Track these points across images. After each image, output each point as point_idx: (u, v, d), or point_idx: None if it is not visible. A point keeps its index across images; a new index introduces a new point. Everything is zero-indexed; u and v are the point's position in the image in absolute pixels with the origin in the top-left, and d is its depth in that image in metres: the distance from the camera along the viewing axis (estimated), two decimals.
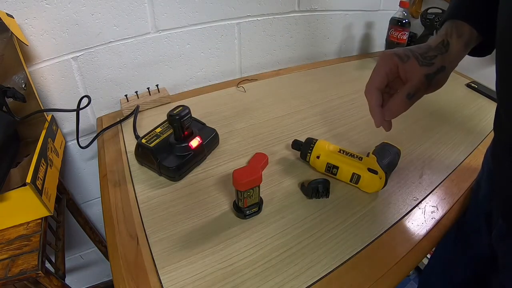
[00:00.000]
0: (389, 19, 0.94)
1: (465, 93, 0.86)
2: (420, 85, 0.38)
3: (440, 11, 0.95)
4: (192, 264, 0.40)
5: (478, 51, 0.44)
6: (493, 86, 0.89)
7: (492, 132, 0.57)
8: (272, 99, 0.78)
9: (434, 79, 0.38)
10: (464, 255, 0.56)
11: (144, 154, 0.53)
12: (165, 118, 0.53)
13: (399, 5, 0.91)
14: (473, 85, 0.88)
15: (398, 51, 0.40)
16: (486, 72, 0.93)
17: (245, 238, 0.43)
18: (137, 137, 0.62)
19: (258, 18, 0.83)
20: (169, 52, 0.75)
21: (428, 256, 1.03)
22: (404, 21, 0.91)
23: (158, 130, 0.56)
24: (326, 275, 0.39)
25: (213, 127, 0.60)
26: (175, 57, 0.76)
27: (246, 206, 0.45)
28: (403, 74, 0.39)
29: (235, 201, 0.47)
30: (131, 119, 0.67)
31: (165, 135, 0.55)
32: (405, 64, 0.39)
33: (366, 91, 0.41)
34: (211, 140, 0.58)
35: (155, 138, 0.54)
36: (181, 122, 0.51)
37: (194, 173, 0.54)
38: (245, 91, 0.81)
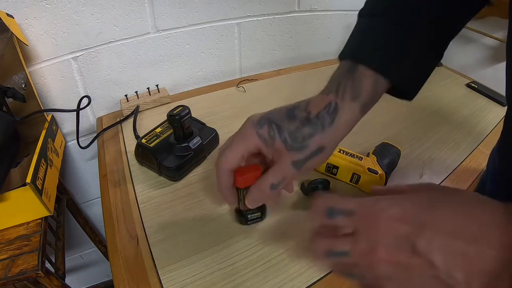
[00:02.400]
0: None
1: (465, 93, 0.86)
2: (286, 173, 0.30)
3: None
4: (192, 264, 0.40)
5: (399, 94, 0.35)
6: (493, 86, 0.89)
7: (493, 132, 0.56)
8: (272, 99, 0.78)
9: (306, 165, 0.30)
10: None
11: (144, 154, 0.53)
12: (165, 118, 0.53)
13: None
14: (473, 85, 0.88)
15: (260, 128, 0.31)
16: (486, 72, 0.93)
17: (245, 238, 0.43)
18: (137, 137, 0.62)
19: (258, 18, 0.83)
20: (169, 52, 0.75)
21: None
22: None
23: (158, 130, 0.56)
24: (326, 275, 0.39)
25: (213, 127, 0.60)
26: (175, 57, 0.76)
27: (247, 209, 0.42)
28: (268, 155, 0.32)
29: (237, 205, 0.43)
30: (131, 119, 0.67)
31: (165, 135, 0.55)
32: (270, 148, 0.31)
33: (217, 170, 0.33)
34: (211, 140, 0.58)
35: (155, 138, 0.54)
36: (181, 122, 0.51)
37: (194, 173, 0.54)
38: (245, 91, 0.81)
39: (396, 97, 0.35)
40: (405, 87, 0.33)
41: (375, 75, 0.31)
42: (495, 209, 0.21)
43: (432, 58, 0.34)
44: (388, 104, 0.77)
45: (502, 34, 0.86)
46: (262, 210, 0.45)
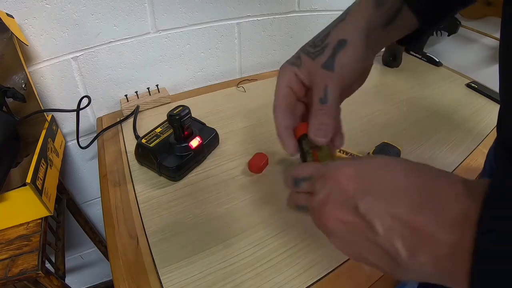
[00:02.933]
0: None
1: (465, 93, 0.86)
2: (323, 80, 0.29)
3: None
4: (192, 264, 0.40)
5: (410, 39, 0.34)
6: (493, 86, 0.89)
7: (493, 132, 0.56)
8: (272, 99, 0.78)
9: (335, 62, 0.28)
10: None
11: (144, 154, 0.53)
12: (165, 118, 0.53)
13: None
14: (473, 85, 0.88)
15: (289, 60, 0.32)
16: (486, 72, 0.93)
17: (245, 238, 0.43)
18: (137, 137, 0.62)
19: (258, 18, 0.83)
20: (169, 52, 0.75)
21: None
22: None
23: (158, 130, 0.57)
24: (326, 275, 0.39)
25: (213, 127, 0.60)
26: (175, 57, 0.76)
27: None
28: (306, 79, 0.31)
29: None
30: (131, 119, 0.67)
31: (165, 135, 0.55)
32: (300, 68, 0.31)
33: (273, 113, 0.33)
34: (211, 140, 0.58)
35: (155, 138, 0.54)
36: (181, 122, 0.51)
37: (194, 173, 0.54)
38: (245, 91, 0.81)
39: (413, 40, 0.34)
40: (416, 7, 0.30)
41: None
42: (453, 181, 0.20)
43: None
44: (388, 104, 0.77)
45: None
46: None
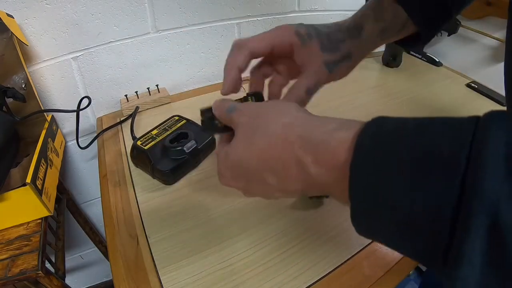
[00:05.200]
0: None
1: (465, 93, 0.86)
2: (320, 75, 0.31)
3: None
4: (192, 264, 0.40)
5: (410, 42, 0.38)
6: (493, 86, 0.89)
7: None
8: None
9: (335, 69, 0.32)
10: None
11: (139, 156, 0.53)
12: (164, 119, 0.53)
13: None
14: (473, 85, 0.88)
15: (300, 29, 0.31)
16: (486, 72, 0.93)
17: (245, 238, 0.43)
18: (134, 138, 0.61)
19: (258, 18, 0.83)
20: (169, 52, 0.75)
21: None
22: None
23: (154, 132, 0.56)
24: (326, 275, 0.39)
25: None
26: (175, 57, 0.76)
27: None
28: (299, 57, 0.32)
29: None
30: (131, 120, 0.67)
31: (160, 138, 0.54)
32: (304, 46, 0.31)
33: (234, 45, 0.31)
34: (207, 143, 0.57)
35: (150, 140, 0.54)
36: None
37: (194, 173, 0.54)
38: (245, 91, 0.81)
39: (411, 44, 0.38)
40: (419, 23, 0.35)
41: (396, 5, 0.34)
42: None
43: (448, 10, 0.36)
44: (388, 104, 0.77)
45: (502, 34, 0.86)
46: None
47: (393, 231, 0.18)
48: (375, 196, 0.18)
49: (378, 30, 0.34)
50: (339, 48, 0.32)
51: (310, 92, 0.31)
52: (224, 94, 0.33)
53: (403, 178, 0.16)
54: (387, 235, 0.19)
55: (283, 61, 0.34)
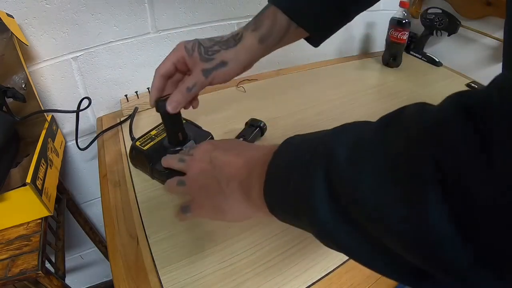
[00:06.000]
0: (389, 19, 0.95)
1: None
2: (198, 79, 0.39)
3: (440, 11, 0.95)
4: (192, 264, 0.40)
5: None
6: None
7: None
8: (272, 99, 0.78)
9: (212, 74, 0.39)
10: None
11: (138, 156, 0.53)
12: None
13: (399, 5, 0.91)
14: (473, 85, 0.88)
15: (188, 44, 0.41)
16: (486, 72, 0.93)
17: (245, 238, 0.43)
18: (132, 139, 0.61)
19: None
20: (169, 52, 0.74)
21: None
22: (404, 21, 0.91)
23: (153, 132, 0.56)
24: (326, 275, 0.39)
25: (212, 127, 0.60)
26: None
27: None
28: (189, 65, 0.41)
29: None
30: None
31: (159, 138, 0.54)
32: (190, 58, 0.40)
33: (155, 73, 0.43)
34: None
35: (149, 140, 0.53)
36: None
37: None
38: (245, 91, 0.81)
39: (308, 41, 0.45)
40: (302, 24, 0.40)
41: (276, 10, 0.40)
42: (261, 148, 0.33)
43: (337, 15, 0.42)
44: (388, 104, 0.77)
45: (502, 34, 0.86)
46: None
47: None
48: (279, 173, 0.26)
49: (257, 38, 0.40)
50: (214, 58, 0.39)
51: (189, 90, 0.40)
52: (151, 106, 0.44)
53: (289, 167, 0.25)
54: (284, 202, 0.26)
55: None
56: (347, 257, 0.41)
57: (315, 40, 0.44)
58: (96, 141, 0.64)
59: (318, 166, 0.21)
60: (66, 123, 0.70)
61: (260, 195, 0.27)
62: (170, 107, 0.41)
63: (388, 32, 0.96)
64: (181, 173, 0.53)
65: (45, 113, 0.60)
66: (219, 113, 0.71)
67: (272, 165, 0.26)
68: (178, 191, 0.37)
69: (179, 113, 0.47)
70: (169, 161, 0.42)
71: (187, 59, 0.41)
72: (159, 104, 0.43)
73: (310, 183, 0.21)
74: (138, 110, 0.70)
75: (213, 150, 0.35)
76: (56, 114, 0.67)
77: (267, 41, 0.40)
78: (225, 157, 0.33)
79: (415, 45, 1.08)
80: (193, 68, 0.41)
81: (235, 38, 0.40)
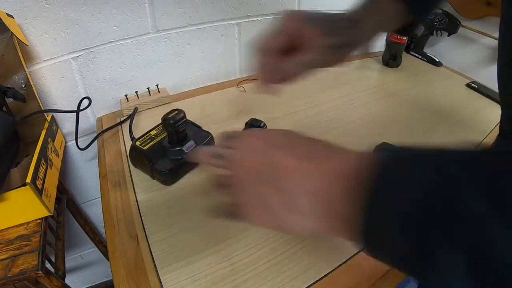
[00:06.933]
0: None
1: (465, 93, 0.86)
2: (314, 55, 0.34)
3: (440, 11, 0.95)
4: (192, 264, 0.40)
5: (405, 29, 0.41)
6: (493, 86, 0.89)
7: (492, 133, 0.56)
8: (272, 99, 0.78)
9: (332, 53, 0.35)
10: None
11: (138, 156, 0.53)
12: None
13: None
14: (473, 85, 0.88)
15: (306, 13, 0.35)
16: (486, 72, 0.93)
17: (245, 238, 0.43)
18: (132, 139, 0.61)
19: (258, 18, 0.83)
20: (169, 52, 0.75)
21: None
22: None
23: (153, 132, 0.56)
24: (326, 275, 0.39)
25: (212, 127, 0.60)
26: (175, 57, 0.76)
27: None
28: (302, 38, 0.35)
29: None
30: None
31: (159, 138, 0.54)
32: (307, 28, 0.34)
33: (261, 49, 0.36)
34: (206, 144, 0.56)
35: (149, 140, 0.54)
36: (175, 127, 0.50)
37: (194, 173, 0.54)
38: (245, 91, 0.81)
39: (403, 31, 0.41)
40: (416, 13, 0.38)
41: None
42: (345, 152, 0.26)
43: None
44: (388, 104, 0.77)
45: None
46: None
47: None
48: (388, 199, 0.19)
49: (377, 21, 0.37)
50: (339, 34, 0.34)
51: (301, 66, 0.35)
52: (268, 84, 0.38)
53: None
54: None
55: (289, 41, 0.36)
56: (346, 257, 0.41)
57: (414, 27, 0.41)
58: (96, 141, 0.64)
59: (451, 227, 0.16)
60: (66, 123, 0.70)
61: (349, 222, 0.21)
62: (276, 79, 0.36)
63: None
64: (181, 171, 0.54)
65: (45, 113, 0.60)
66: (219, 113, 0.71)
67: (377, 196, 0.20)
68: (222, 193, 0.31)
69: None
70: (202, 156, 0.32)
71: (303, 29, 0.34)
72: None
73: (440, 252, 0.17)
74: (138, 110, 0.70)
75: (268, 149, 0.27)
76: (56, 114, 0.67)
77: (382, 27, 0.39)
78: (288, 160, 0.25)
79: (415, 45, 1.08)
80: (308, 41, 0.34)
81: (358, 20, 0.36)
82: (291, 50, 0.36)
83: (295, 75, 0.36)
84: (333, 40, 0.34)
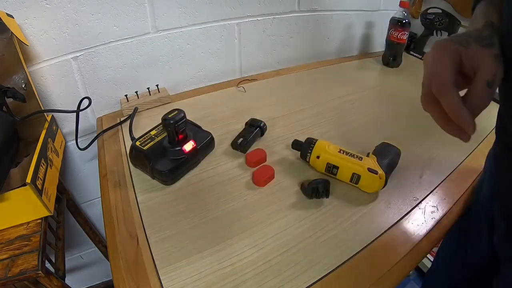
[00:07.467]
0: (389, 19, 0.94)
1: None
2: (495, 68, 0.30)
3: (440, 11, 0.95)
4: (192, 264, 0.40)
5: None
6: None
7: (492, 133, 0.56)
8: (272, 99, 0.78)
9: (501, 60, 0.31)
10: (465, 256, 0.56)
11: (138, 156, 0.53)
12: None
13: (399, 5, 0.91)
14: None
15: (453, 38, 0.32)
16: None
17: (245, 238, 0.43)
18: (132, 139, 0.61)
19: (258, 18, 0.83)
20: (169, 52, 0.75)
21: (430, 257, 1.03)
22: (404, 21, 0.91)
23: (153, 132, 0.56)
24: (326, 275, 0.39)
25: (212, 127, 0.60)
26: (175, 57, 0.76)
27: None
28: (468, 62, 0.31)
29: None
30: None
31: (159, 138, 0.54)
32: (468, 50, 0.31)
33: (438, 92, 0.31)
34: (206, 144, 0.57)
35: (149, 140, 0.54)
36: (175, 127, 0.50)
37: (194, 173, 0.54)
38: (245, 91, 0.81)
39: None
40: None
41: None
42: None
43: None
44: (388, 104, 0.77)
45: None
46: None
47: None
48: None
49: (495, 10, 0.36)
50: (494, 43, 0.32)
51: (490, 83, 0.30)
52: (471, 132, 0.33)
53: None
54: None
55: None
56: (347, 257, 0.41)
57: None
58: (96, 141, 0.64)
59: None
60: (66, 123, 0.70)
61: None
62: (470, 115, 0.31)
63: (388, 32, 0.96)
64: (181, 171, 0.54)
65: (45, 113, 0.60)
66: (219, 113, 0.71)
67: None
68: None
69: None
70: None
71: (464, 53, 0.31)
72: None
73: None
74: (138, 110, 0.70)
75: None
76: (56, 114, 0.67)
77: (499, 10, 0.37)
78: None
79: (415, 45, 1.08)
80: (477, 61, 0.31)
81: (491, 24, 0.35)
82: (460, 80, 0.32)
83: (487, 101, 0.31)
84: (495, 50, 0.31)
